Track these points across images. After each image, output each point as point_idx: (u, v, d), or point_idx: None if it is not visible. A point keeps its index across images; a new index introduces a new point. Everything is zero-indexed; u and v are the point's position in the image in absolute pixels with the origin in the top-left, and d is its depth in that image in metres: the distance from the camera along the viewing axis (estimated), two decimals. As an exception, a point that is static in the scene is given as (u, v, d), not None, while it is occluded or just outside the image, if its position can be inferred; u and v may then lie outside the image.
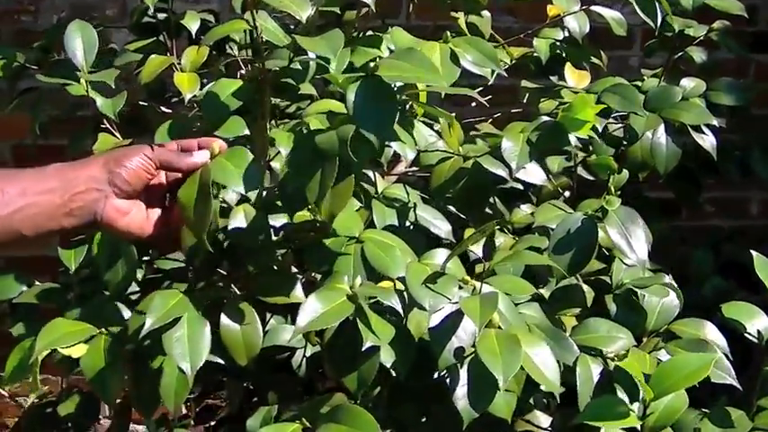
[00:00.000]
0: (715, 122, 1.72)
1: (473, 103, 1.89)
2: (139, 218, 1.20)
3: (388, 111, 1.20)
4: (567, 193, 1.92)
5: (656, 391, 1.18)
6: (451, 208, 1.66)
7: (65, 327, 1.31)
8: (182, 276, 1.65)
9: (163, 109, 1.88)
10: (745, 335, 1.34)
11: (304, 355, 1.54)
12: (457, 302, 1.25)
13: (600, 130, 1.69)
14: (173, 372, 1.33)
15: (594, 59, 1.99)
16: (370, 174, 1.65)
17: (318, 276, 1.42)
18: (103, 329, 1.33)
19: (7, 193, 1.13)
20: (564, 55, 1.88)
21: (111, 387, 1.30)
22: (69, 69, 1.60)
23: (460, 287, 1.28)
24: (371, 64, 1.29)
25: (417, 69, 1.24)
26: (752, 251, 1.39)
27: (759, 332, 1.35)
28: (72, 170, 1.17)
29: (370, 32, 1.64)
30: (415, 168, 1.79)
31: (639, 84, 2.00)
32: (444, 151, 1.64)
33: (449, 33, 1.60)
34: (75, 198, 1.15)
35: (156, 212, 1.23)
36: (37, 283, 1.70)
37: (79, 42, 1.58)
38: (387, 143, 1.44)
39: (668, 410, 1.19)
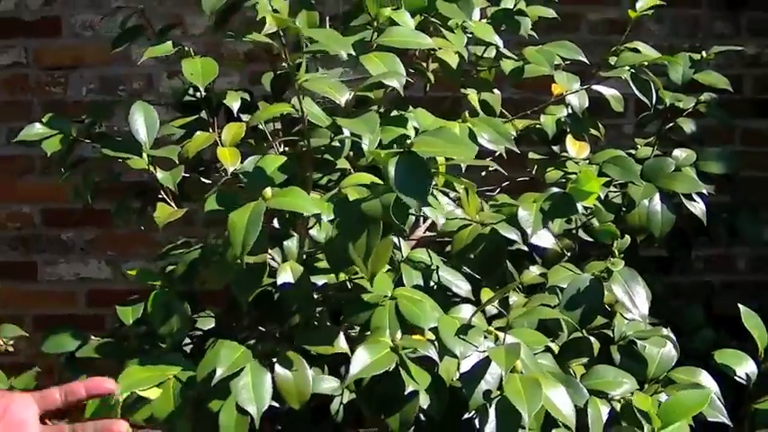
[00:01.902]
0: (704, 191, 1.93)
1: (482, 173, 2.10)
2: None
3: (424, 181, 1.41)
4: (567, 254, 2.13)
5: (663, 421, 1.37)
6: (466, 269, 1.85)
7: (139, 372, 1.50)
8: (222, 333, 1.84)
9: (203, 180, 2.07)
10: (735, 378, 1.54)
11: (341, 402, 1.72)
12: (484, 351, 1.44)
13: (602, 198, 1.90)
14: (231, 415, 1.52)
15: (593, 131, 2.20)
16: (395, 240, 1.85)
17: (355, 330, 1.62)
18: (173, 376, 1.52)
19: None
20: (566, 128, 2.08)
21: (180, 428, 1.49)
22: (130, 144, 1.79)
23: (485, 337, 1.47)
24: (408, 141, 1.50)
25: (448, 145, 1.44)
26: (739, 304, 1.60)
27: (747, 375, 1.55)
28: None
29: (395, 111, 1.85)
30: (432, 233, 1.99)
31: (634, 152, 2.22)
32: (464, 219, 1.84)
33: (467, 114, 1.81)
34: None
35: None
36: (92, 337, 1.89)
37: (142, 122, 1.78)
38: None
39: (673, 438, 1.39)
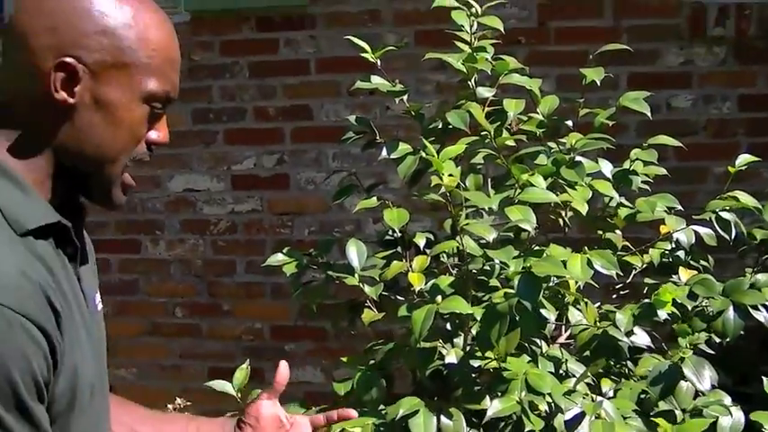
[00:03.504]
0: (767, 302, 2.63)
1: (614, 296, 2.88)
2: None
3: (537, 290, 2.21)
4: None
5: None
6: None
7: (355, 420, 2.32)
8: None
9: (397, 297, 2.91)
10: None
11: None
12: (580, 407, 2.21)
13: (689, 308, 2.62)
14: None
15: (702, 261, 2.93)
16: (538, 341, 2.63)
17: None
18: (371, 422, 2.34)
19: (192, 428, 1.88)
20: (671, 259, 2.83)
21: (374, 457, 2.30)
22: (346, 269, 2.64)
23: (584, 398, 2.24)
24: (528, 264, 2.30)
25: (554, 267, 2.24)
26: (763, 377, 2.30)
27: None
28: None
29: (536, 246, 2.65)
30: (571, 340, 2.77)
31: (742, 278, 2.93)
32: (586, 325, 2.61)
33: (586, 248, 2.60)
34: None
35: None
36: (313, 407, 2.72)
37: (355, 253, 2.63)
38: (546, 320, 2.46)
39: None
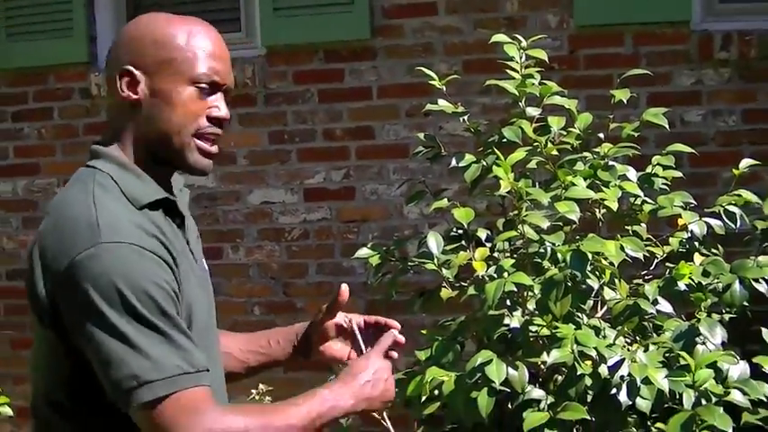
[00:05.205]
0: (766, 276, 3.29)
1: (648, 276, 3.53)
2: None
3: (585, 264, 2.89)
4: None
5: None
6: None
7: (437, 371, 2.99)
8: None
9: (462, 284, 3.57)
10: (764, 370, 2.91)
11: (546, 403, 3.16)
12: (621, 356, 2.88)
13: (704, 284, 3.28)
14: (484, 398, 2.98)
15: (713, 249, 3.59)
16: (580, 314, 3.30)
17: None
18: (454, 375, 3.01)
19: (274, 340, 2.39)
20: (687, 247, 3.49)
21: (458, 402, 2.96)
22: (426, 256, 3.31)
23: (622, 348, 2.91)
24: (578, 244, 2.98)
25: (596, 245, 2.92)
26: (762, 328, 2.96)
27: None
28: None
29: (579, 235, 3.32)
30: (608, 316, 3.43)
31: (747, 259, 3.55)
32: (619, 298, 3.28)
33: (619, 236, 3.26)
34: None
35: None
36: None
37: (434, 243, 3.30)
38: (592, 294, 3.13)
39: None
